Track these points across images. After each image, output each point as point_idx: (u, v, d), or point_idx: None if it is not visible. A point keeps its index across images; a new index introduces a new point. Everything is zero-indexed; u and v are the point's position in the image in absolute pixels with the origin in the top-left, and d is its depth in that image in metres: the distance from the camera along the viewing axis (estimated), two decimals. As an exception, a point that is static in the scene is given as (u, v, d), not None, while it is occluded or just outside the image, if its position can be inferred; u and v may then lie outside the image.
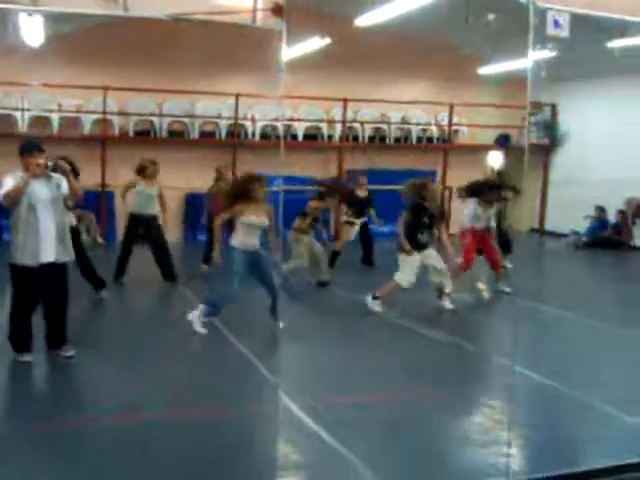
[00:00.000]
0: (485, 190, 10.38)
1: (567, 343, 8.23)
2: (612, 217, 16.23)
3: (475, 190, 10.47)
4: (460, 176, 17.35)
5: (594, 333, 8.65)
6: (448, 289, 9.30)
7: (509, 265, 11.33)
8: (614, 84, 15.95)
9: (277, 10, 4.25)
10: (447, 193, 17.56)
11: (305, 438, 5.25)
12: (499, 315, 9.67)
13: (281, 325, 7.77)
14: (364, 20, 11.12)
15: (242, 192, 8.03)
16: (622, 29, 10.81)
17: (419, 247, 9.03)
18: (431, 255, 9.17)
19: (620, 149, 15.76)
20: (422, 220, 9.06)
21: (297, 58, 11.72)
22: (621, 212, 15.96)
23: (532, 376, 6.51)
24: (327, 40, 12.20)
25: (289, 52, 11.96)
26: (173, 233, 13.96)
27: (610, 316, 9.36)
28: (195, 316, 7.89)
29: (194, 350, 7.60)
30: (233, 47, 13.82)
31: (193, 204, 15.04)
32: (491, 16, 7.65)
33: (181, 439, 5.12)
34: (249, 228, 7.91)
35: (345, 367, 7.00)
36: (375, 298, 9.08)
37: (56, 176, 6.64)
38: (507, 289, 10.30)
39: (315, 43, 12.06)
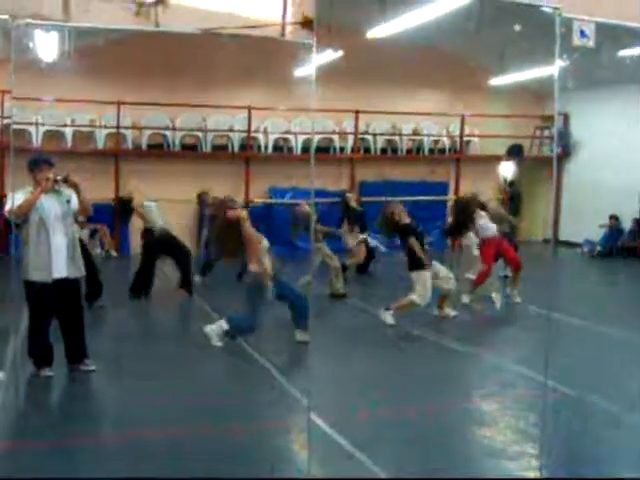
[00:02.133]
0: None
1: (590, 353, 8.20)
2: (627, 225, 16.18)
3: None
4: (472, 187, 17.38)
5: (618, 344, 8.60)
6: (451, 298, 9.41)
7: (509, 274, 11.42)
8: (626, 92, 15.92)
9: (306, 23, 4.28)
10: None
11: (332, 453, 5.22)
12: (518, 325, 9.66)
13: (306, 338, 7.58)
14: (376, 32, 11.16)
15: None
16: (633, 37, 10.82)
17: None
18: (436, 265, 9.26)
19: (632, 157, 15.71)
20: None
21: (310, 71, 11.75)
22: (636, 220, 15.89)
23: (559, 388, 6.48)
24: (339, 53, 12.25)
25: (302, 66, 12.08)
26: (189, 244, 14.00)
27: (627, 325, 9.32)
28: (213, 330, 7.87)
29: (216, 365, 7.57)
30: (247, 61, 13.93)
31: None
32: (517, 27, 7.65)
33: (208, 454, 5.11)
34: (267, 251, 7.92)
35: (369, 381, 6.98)
36: (387, 309, 9.10)
37: (66, 191, 6.65)
38: (518, 299, 10.36)
39: (328, 56, 12.10)
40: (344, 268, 11.84)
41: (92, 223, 14.20)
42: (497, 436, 5.72)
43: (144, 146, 15.29)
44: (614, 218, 16.18)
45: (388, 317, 9.05)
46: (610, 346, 8.52)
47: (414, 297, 8.96)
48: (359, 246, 12.45)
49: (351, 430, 5.54)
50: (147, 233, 10.68)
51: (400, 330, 8.88)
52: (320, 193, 14.10)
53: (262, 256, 7.74)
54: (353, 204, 12.84)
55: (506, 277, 11.37)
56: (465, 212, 10.20)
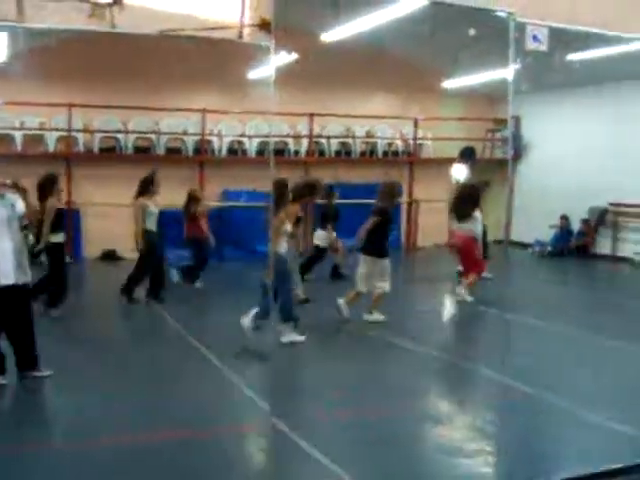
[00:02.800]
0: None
1: (545, 352, 8.32)
2: (576, 225, 16.47)
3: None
4: (426, 189, 17.56)
5: (571, 342, 8.81)
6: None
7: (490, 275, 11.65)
8: (575, 95, 16.26)
9: (264, 26, 4.27)
10: (414, 206, 17.71)
11: (294, 456, 5.22)
12: (476, 327, 9.78)
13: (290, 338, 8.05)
14: (330, 36, 11.19)
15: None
16: (582, 42, 11.03)
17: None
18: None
19: (581, 159, 16.05)
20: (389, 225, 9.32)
21: (264, 74, 11.72)
22: (585, 221, 16.19)
23: (514, 386, 6.56)
24: (294, 55, 12.24)
25: (257, 68, 12.04)
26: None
27: (581, 323, 9.56)
28: (247, 319, 7.97)
29: (172, 370, 7.51)
30: (200, 63, 13.83)
31: (160, 221, 14.85)
32: (472, 31, 7.74)
33: (167, 461, 5.08)
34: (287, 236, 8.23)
35: (328, 384, 6.99)
36: (370, 312, 9.26)
37: (9, 196, 6.52)
38: (469, 298, 10.49)
39: (282, 58, 12.07)
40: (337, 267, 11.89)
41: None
42: (454, 434, 5.78)
43: (96, 149, 15.07)
44: (564, 218, 16.47)
45: (371, 318, 9.18)
46: (564, 344, 8.68)
47: (386, 288, 9.11)
48: (340, 241, 12.37)
49: (311, 432, 5.54)
50: (148, 235, 10.54)
51: (353, 330, 8.91)
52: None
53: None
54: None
55: (460, 273, 11.50)
56: (474, 196, 10.37)
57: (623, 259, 15.63)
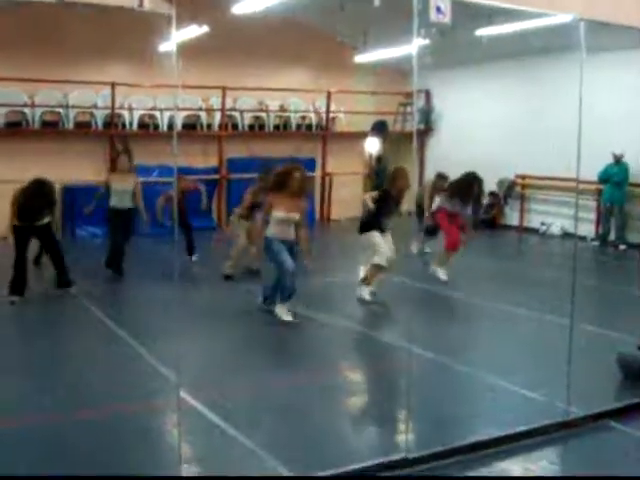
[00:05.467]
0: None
1: (453, 322, 8.63)
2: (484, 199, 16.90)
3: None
4: (339, 163, 17.72)
5: (478, 310, 9.16)
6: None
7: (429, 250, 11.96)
8: (483, 70, 16.63)
9: (165, -6, 4.22)
10: (328, 180, 17.84)
11: (204, 429, 5.25)
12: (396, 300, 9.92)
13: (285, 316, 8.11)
14: (241, 8, 11.09)
15: (277, 185, 8.13)
16: (489, 17, 11.27)
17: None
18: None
19: (490, 132, 16.47)
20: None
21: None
22: (492, 194, 16.61)
23: (426, 355, 6.74)
24: (205, 28, 12.10)
25: (166, 40, 11.80)
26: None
27: (488, 294, 9.88)
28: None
29: (78, 346, 7.47)
30: (109, 34, 13.56)
31: (71, 197, 14.60)
32: (376, 2, 7.80)
33: (78, 439, 5.04)
34: (281, 222, 8.02)
35: (240, 357, 7.04)
36: (364, 283, 9.20)
37: None
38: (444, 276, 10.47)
39: (192, 31, 11.93)
40: None
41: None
42: (366, 404, 5.93)
43: (1, 124, 14.59)
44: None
45: (365, 292, 9.12)
46: (475, 313, 8.97)
47: (377, 260, 9.07)
48: None
49: (219, 405, 5.59)
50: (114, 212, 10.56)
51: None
52: (187, 170, 13.96)
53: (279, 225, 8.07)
54: None
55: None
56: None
57: (531, 230, 16.16)
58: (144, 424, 5.37)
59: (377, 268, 9.12)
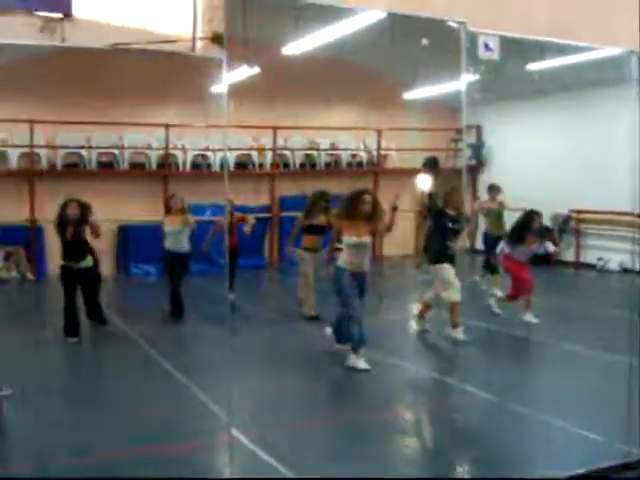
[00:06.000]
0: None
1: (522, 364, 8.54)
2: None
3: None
4: (391, 200, 17.64)
5: (537, 349, 9.13)
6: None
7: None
8: (534, 104, 16.51)
9: (216, 39, 4.28)
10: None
11: (259, 468, 5.19)
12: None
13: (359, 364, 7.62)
14: (291, 48, 11.25)
15: (348, 209, 7.80)
16: (540, 51, 11.21)
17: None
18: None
19: (542, 166, 16.28)
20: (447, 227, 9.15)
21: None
22: (546, 229, 16.35)
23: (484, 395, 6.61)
24: (256, 69, 12.28)
25: (218, 82, 12.01)
26: (107, 266, 13.80)
27: (547, 331, 9.68)
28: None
29: (133, 384, 7.49)
30: (162, 77, 13.84)
31: (125, 235, 14.85)
32: (425, 41, 7.82)
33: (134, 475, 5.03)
34: (353, 248, 7.65)
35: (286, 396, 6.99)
36: (454, 327, 8.87)
37: None
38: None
39: (243, 72, 12.12)
40: None
41: (7, 246, 13.90)
42: (414, 444, 5.84)
43: (59, 165, 14.97)
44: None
45: (460, 334, 8.83)
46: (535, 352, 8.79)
47: (450, 296, 8.86)
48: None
49: (272, 444, 5.53)
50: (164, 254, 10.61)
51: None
52: (239, 208, 14.05)
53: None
54: None
55: None
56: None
57: (587, 265, 15.85)
58: (198, 463, 5.35)
59: (450, 303, 8.89)
